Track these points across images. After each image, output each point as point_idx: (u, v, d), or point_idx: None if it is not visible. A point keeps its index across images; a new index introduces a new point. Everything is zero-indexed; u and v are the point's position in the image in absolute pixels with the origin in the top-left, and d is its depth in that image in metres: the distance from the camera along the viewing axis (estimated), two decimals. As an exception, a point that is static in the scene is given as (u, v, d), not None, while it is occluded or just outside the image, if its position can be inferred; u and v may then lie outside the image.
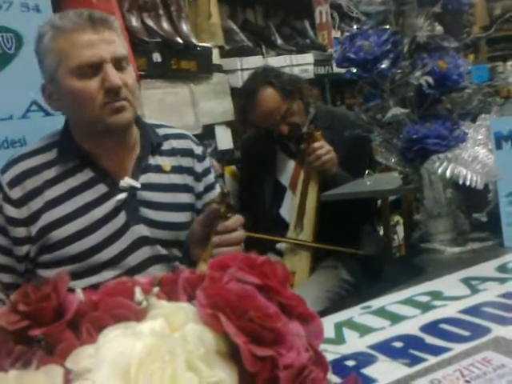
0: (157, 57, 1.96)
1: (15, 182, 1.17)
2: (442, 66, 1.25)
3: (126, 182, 1.20)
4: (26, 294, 0.43)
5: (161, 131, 1.31)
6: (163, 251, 1.23)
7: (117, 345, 0.36)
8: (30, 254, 1.17)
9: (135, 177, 1.22)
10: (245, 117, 2.04)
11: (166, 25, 2.02)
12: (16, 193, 1.17)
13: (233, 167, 2.33)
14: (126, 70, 1.16)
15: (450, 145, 1.24)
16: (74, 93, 1.13)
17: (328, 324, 0.81)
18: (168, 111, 2.02)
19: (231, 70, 2.37)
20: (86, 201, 1.18)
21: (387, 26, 1.34)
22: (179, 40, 2.04)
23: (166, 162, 1.27)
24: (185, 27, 2.10)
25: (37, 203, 1.17)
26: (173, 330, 0.40)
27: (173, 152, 1.29)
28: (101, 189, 1.20)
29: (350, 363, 0.71)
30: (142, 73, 1.89)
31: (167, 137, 1.31)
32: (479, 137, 1.28)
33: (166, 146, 1.29)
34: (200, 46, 2.16)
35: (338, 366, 0.70)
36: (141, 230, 1.21)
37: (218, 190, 1.37)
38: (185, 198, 1.28)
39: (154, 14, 2.01)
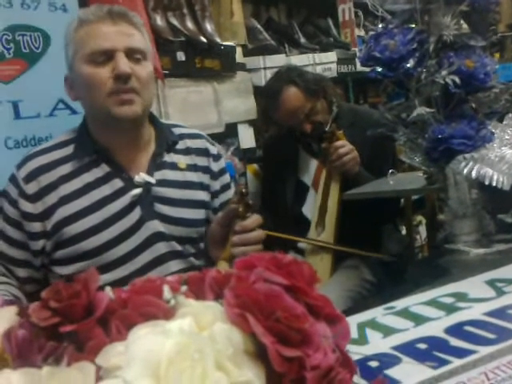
0: (181, 56, 1.97)
1: (30, 177, 1.19)
2: (469, 65, 1.24)
3: (141, 177, 1.21)
4: (57, 290, 0.44)
5: (176, 130, 1.32)
6: (178, 247, 1.23)
7: (146, 343, 0.37)
8: (46, 248, 1.19)
9: (150, 173, 1.23)
10: (268, 116, 2.04)
11: (190, 24, 2.03)
12: (31, 188, 1.18)
13: (255, 166, 2.34)
14: (141, 63, 1.17)
15: (475, 145, 1.23)
16: (86, 79, 1.16)
17: (351, 324, 0.81)
18: (191, 110, 2.04)
19: (254, 68, 2.38)
20: (101, 196, 1.19)
21: (413, 25, 1.33)
22: (203, 39, 2.05)
23: (181, 160, 1.28)
24: (209, 26, 2.10)
25: (52, 198, 1.18)
26: (201, 328, 0.40)
27: (188, 151, 1.30)
28: (116, 184, 1.21)
29: (374, 364, 0.71)
30: (166, 72, 1.90)
31: (182, 136, 1.32)
32: (506, 137, 1.27)
33: (181, 145, 1.30)
34: (224, 45, 2.16)
35: (362, 366, 0.69)
36: (155, 225, 1.21)
37: (233, 189, 1.37)
38: (200, 195, 1.29)
39: (179, 14, 2.02)
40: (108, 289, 0.45)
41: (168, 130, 1.30)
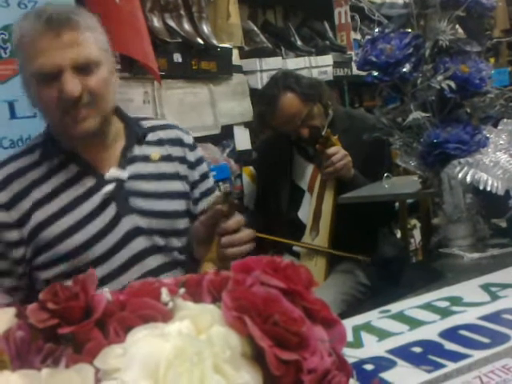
0: (177, 57, 1.97)
1: (2, 186, 1.16)
2: (465, 70, 1.24)
3: (112, 173, 1.18)
4: (55, 292, 0.44)
5: (146, 123, 1.30)
6: (160, 242, 1.21)
7: (145, 345, 0.37)
8: (26, 255, 1.16)
9: (122, 168, 1.20)
10: (265, 121, 2.04)
11: (187, 25, 2.03)
12: (3, 196, 1.15)
13: (251, 168, 2.34)
14: (94, 73, 1.10)
15: (470, 150, 1.23)
16: (38, 98, 1.12)
17: (346, 327, 0.81)
18: (187, 111, 2.04)
19: (251, 70, 2.38)
20: (73, 196, 1.17)
21: (409, 30, 1.33)
22: (200, 41, 2.05)
23: (154, 151, 1.26)
24: (205, 28, 2.11)
25: (25, 204, 1.15)
26: (199, 331, 0.40)
27: (161, 142, 1.28)
28: (87, 183, 1.18)
29: (369, 367, 0.71)
30: (163, 73, 1.90)
31: (153, 128, 1.29)
32: (501, 142, 1.28)
33: (153, 136, 1.27)
34: (220, 47, 2.17)
35: (357, 369, 0.70)
36: (133, 220, 1.19)
37: (212, 179, 1.36)
38: (177, 186, 1.26)
39: (176, 15, 2.02)
40: (106, 291, 0.45)
41: (136, 123, 1.27)
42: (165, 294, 0.44)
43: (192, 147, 1.32)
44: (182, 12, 2.05)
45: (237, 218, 1.08)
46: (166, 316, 0.42)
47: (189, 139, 1.33)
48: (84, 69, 1.09)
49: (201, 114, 2.11)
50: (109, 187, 1.18)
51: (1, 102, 1.51)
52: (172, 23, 2.00)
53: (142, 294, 0.45)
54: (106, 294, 0.45)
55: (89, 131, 1.13)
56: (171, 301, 0.44)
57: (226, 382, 0.36)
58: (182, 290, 0.46)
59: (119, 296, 0.45)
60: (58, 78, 1.07)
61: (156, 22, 1.93)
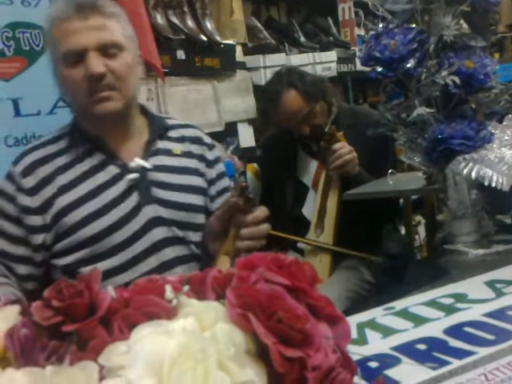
0: (181, 54, 1.98)
1: (27, 172, 1.20)
2: (469, 66, 1.24)
3: (136, 162, 1.21)
4: (59, 290, 0.44)
5: (169, 121, 1.34)
6: (179, 233, 1.23)
7: (150, 342, 0.37)
8: (46, 242, 1.19)
9: (145, 159, 1.24)
10: (268, 117, 2.04)
11: (190, 22, 2.03)
12: (28, 182, 1.19)
13: (255, 165, 2.33)
14: (118, 57, 1.16)
15: (475, 145, 1.23)
16: (64, 80, 1.17)
17: (350, 324, 0.81)
18: (191, 108, 2.04)
19: (254, 67, 2.37)
20: (97, 183, 1.20)
21: (413, 25, 1.33)
22: (203, 37, 2.05)
23: (176, 147, 1.30)
24: (209, 25, 2.10)
25: (49, 190, 1.19)
26: (203, 328, 0.40)
27: (182, 139, 1.32)
28: (112, 170, 1.21)
29: (373, 364, 0.71)
30: (166, 70, 1.90)
31: (175, 126, 1.33)
32: (506, 137, 1.27)
33: (175, 133, 1.32)
34: (224, 44, 2.16)
35: (361, 367, 0.70)
36: (154, 210, 1.21)
37: (227, 179, 1.40)
38: (197, 181, 1.30)
39: (179, 12, 2.02)
40: (110, 288, 0.45)
41: (160, 119, 1.32)
42: (169, 292, 0.44)
43: (211, 147, 1.37)
44: (186, 9, 2.05)
45: (262, 209, 1.10)
46: (170, 313, 0.42)
47: (207, 139, 1.37)
48: (108, 51, 1.15)
49: (204, 110, 2.11)
50: (133, 175, 1.21)
51: (5, 99, 1.51)
52: (175, 20, 2.00)
53: (146, 291, 0.45)
54: (110, 291, 0.45)
55: (110, 111, 1.17)
56: (175, 298, 0.44)
57: (230, 379, 0.36)
58: (185, 288, 0.46)
59: (123, 293, 0.45)
60: (84, 60, 1.13)
61: (159, 19, 1.93)
